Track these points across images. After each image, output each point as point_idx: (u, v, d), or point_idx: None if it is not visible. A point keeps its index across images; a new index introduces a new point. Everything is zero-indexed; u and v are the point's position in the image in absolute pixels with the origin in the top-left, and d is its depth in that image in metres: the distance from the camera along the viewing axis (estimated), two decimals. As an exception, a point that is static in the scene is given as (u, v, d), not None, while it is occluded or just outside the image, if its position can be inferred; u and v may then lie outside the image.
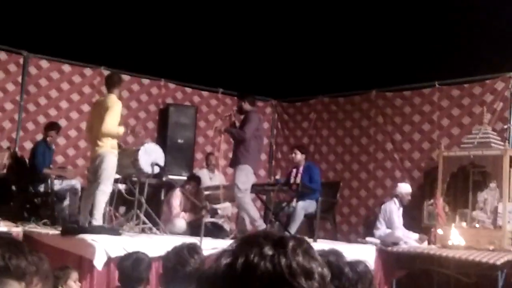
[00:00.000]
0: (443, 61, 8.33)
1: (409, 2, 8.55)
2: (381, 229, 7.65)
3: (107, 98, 6.00)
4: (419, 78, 8.73)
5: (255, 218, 6.64)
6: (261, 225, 6.65)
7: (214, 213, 7.37)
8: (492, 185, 7.37)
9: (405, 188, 7.82)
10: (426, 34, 8.52)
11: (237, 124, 7.04)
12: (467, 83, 8.40)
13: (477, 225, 7.39)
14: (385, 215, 7.71)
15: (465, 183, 7.70)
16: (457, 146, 7.91)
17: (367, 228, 8.55)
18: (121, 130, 6.05)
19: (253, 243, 0.97)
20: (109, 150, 5.90)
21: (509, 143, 7.63)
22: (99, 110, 6.03)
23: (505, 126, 7.88)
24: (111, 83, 6.09)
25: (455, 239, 7.06)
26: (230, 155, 9.39)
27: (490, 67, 7.97)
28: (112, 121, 5.83)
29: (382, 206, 7.88)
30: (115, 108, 5.87)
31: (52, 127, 7.61)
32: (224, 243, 5.96)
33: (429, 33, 8.49)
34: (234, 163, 6.79)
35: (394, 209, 7.65)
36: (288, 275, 0.93)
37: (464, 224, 7.48)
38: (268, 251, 0.95)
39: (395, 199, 7.74)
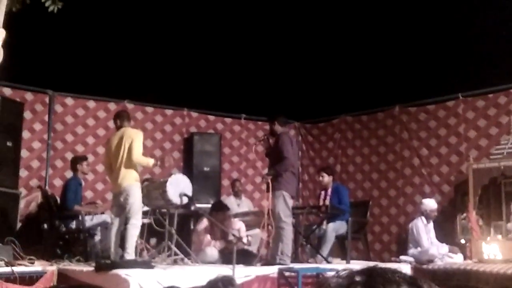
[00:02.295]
0: (465, 72, 8.27)
1: (427, 15, 8.53)
2: (412, 248, 7.54)
3: (126, 131, 6.23)
4: (442, 91, 8.66)
5: (284, 252, 6.35)
6: (286, 261, 6.33)
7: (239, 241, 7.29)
8: (525, 195, 7.23)
9: (429, 204, 7.70)
10: (446, 47, 8.48)
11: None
12: (492, 93, 8.31)
13: (513, 237, 7.23)
14: (412, 234, 7.60)
15: (497, 194, 7.55)
16: (486, 158, 7.79)
17: (400, 246, 8.42)
18: (150, 161, 6.21)
19: (387, 278, 0.94)
20: (133, 183, 6.05)
21: (539, 151, 7.50)
22: (117, 144, 6.18)
23: (534, 134, 7.76)
24: (122, 118, 6.42)
25: (491, 253, 6.91)
26: (257, 180, 9.45)
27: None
28: (139, 150, 6.08)
29: (409, 225, 7.78)
30: (138, 137, 6.14)
31: (83, 158, 7.69)
32: (256, 270, 5.87)
33: (449, 45, 8.45)
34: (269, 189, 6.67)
35: (420, 227, 7.54)
36: None
37: (499, 236, 7.32)
38: None
39: (422, 217, 7.65)
